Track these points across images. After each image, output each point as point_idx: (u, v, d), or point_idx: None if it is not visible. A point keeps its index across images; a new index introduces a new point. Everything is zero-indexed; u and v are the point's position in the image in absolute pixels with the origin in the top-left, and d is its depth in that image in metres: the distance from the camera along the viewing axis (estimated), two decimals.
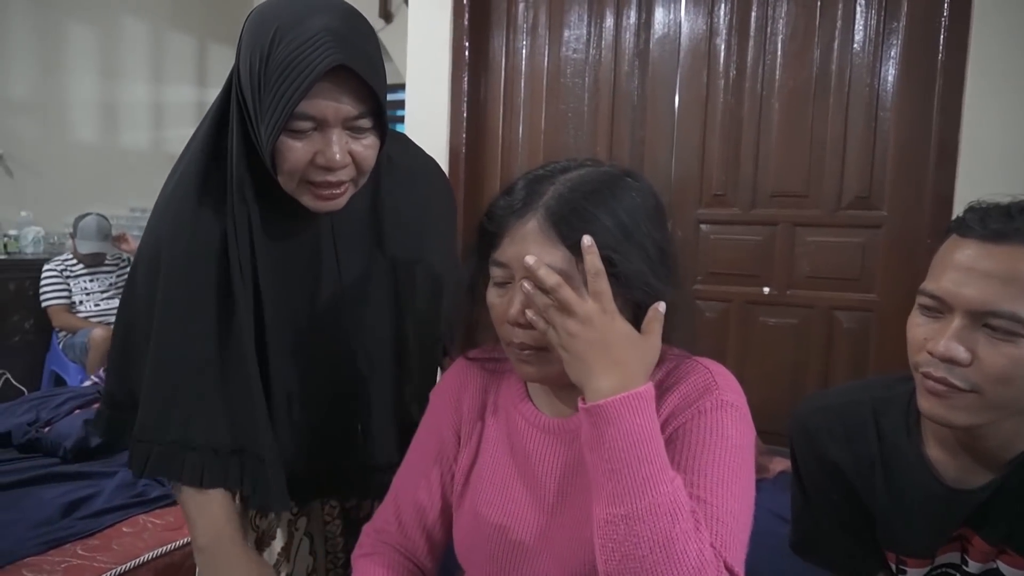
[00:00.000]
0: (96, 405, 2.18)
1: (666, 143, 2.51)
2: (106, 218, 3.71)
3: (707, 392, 0.78)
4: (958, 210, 2.29)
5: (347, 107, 0.84)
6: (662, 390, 0.80)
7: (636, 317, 0.77)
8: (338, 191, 0.89)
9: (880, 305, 2.29)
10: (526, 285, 0.73)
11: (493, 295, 0.81)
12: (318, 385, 1.01)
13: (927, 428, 0.94)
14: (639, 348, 0.72)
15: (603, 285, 0.71)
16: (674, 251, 0.81)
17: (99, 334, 3.41)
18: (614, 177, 0.79)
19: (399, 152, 1.06)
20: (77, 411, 2.14)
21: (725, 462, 0.73)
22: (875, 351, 2.30)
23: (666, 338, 0.81)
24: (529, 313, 0.74)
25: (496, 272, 0.80)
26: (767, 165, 2.39)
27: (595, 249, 0.71)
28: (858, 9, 2.27)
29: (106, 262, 3.75)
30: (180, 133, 4.64)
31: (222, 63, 4.74)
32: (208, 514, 0.94)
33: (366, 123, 0.87)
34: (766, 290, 2.41)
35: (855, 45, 2.28)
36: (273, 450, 0.94)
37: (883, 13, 2.24)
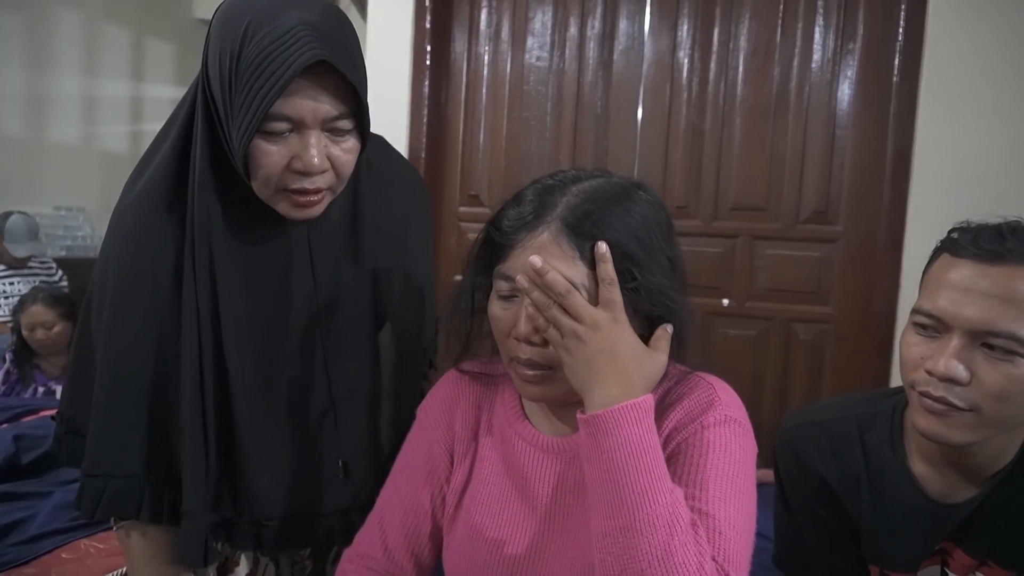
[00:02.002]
0: (27, 419, 2.03)
1: (629, 154, 2.52)
2: (32, 217, 3.49)
3: (710, 407, 0.77)
4: (911, 227, 2.38)
5: (326, 107, 0.79)
6: (664, 405, 0.79)
7: (646, 331, 0.76)
8: (315, 198, 0.84)
9: (835, 318, 2.35)
10: (521, 279, 0.71)
11: (497, 308, 0.78)
12: (290, 415, 0.93)
13: (911, 443, 0.95)
14: (645, 361, 0.72)
15: (615, 294, 0.71)
16: (682, 264, 0.80)
17: None
18: (626, 189, 0.78)
19: (379, 155, 1.00)
20: (5, 425, 1.97)
21: (728, 476, 0.73)
22: (831, 363, 2.36)
23: (677, 355, 0.80)
24: (528, 307, 0.72)
25: (502, 285, 0.77)
26: (728, 179, 2.43)
27: (609, 257, 0.71)
28: (817, 30, 2.33)
29: (30, 263, 3.52)
30: (112, 130, 4.42)
31: (159, 59, 4.55)
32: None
33: (346, 124, 0.82)
34: (726, 302, 2.44)
35: (814, 64, 2.34)
36: (194, 500, 0.87)
37: (840, 34, 2.31)
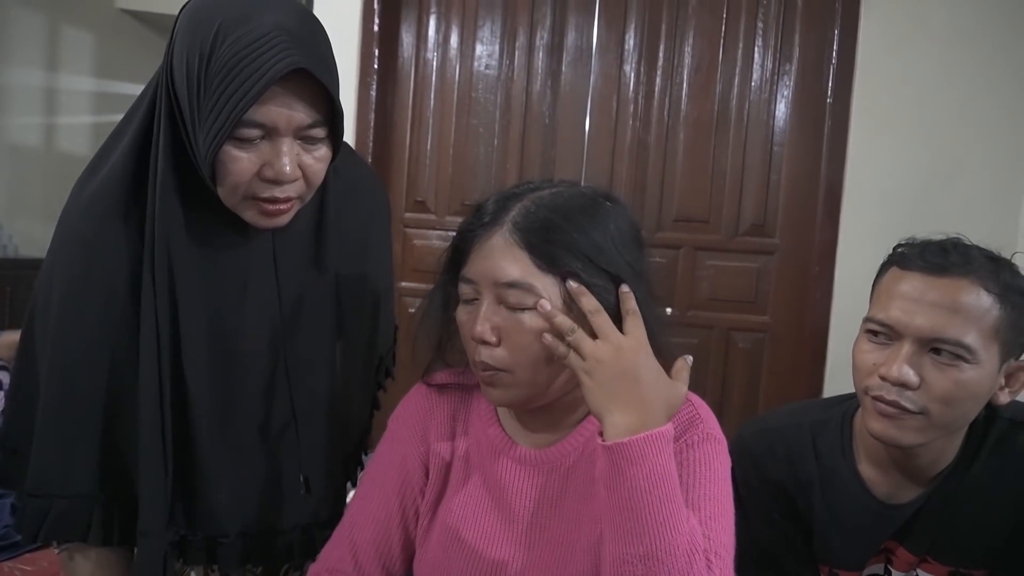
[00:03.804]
0: None
1: (576, 165, 2.56)
2: None
3: (692, 425, 0.79)
4: (843, 241, 2.51)
5: (300, 115, 0.77)
6: None
7: None
8: (284, 207, 0.82)
9: (772, 327, 2.46)
10: (544, 303, 0.73)
11: (462, 313, 0.80)
12: (250, 429, 0.90)
13: (860, 447, 1.00)
14: (666, 389, 0.73)
15: (638, 324, 0.73)
16: (647, 273, 0.82)
17: None
18: (587, 197, 0.80)
19: (344, 162, 0.99)
20: None
21: (714, 495, 0.75)
22: (767, 370, 2.46)
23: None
24: (547, 337, 0.73)
25: (465, 289, 0.79)
26: (672, 191, 2.50)
27: (632, 296, 0.74)
28: (756, 50, 2.43)
29: None
30: (24, 122, 4.15)
31: (76, 49, 4.29)
32: None
33: (319, 133, 0.80)
34: (668, 311, 2.50)
35: (753, 83, 2.44)
36: (152, 519, 0.84)
37: (778, 56, 2.42)
